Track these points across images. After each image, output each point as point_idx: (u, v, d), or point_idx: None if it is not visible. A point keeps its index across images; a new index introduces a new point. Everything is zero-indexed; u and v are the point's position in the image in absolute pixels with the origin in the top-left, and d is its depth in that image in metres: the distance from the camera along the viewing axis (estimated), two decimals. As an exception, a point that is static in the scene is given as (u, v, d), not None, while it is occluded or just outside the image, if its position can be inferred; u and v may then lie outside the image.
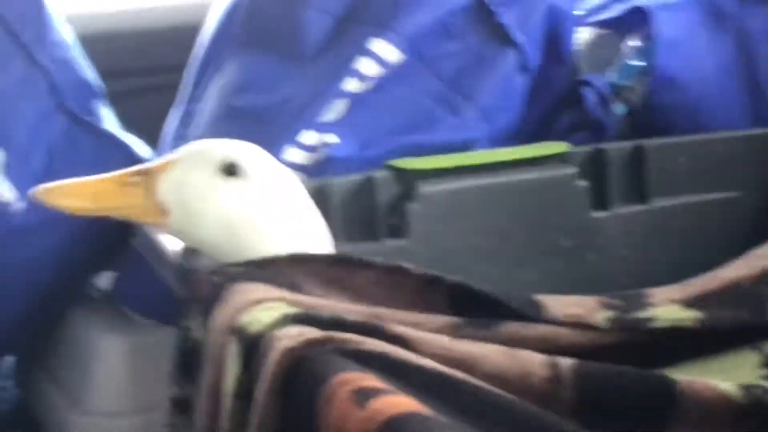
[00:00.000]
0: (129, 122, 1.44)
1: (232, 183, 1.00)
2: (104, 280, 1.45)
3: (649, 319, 0.99)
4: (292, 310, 0.86)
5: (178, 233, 1.02)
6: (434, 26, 1.37)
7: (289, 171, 1.05)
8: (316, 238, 1.03)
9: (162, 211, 1.00)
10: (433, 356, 0.84)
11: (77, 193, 1.02)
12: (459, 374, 0.82)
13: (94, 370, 1.32)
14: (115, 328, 1.35)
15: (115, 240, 1.32)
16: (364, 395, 0.73)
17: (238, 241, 0.99)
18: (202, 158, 1.01)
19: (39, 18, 1.40)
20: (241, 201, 1.00)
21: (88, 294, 1.44)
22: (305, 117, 1.35)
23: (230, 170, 1.01)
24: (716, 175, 1.30)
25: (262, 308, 0.87)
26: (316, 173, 1.27)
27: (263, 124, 1.34)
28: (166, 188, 1.00)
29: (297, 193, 1.04)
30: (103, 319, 1.38)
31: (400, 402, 0.72)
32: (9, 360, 1.51)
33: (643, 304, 1.01)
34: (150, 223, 1.02)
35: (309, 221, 1.03)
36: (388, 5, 1.38)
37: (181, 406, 0.94)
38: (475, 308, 0.96)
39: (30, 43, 1.38)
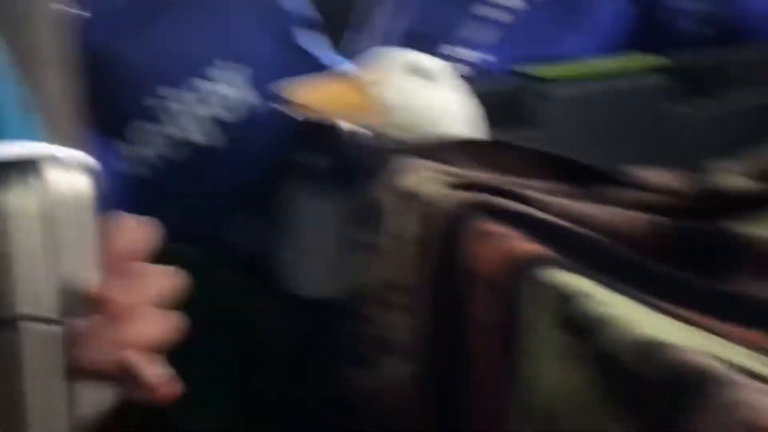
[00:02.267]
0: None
1: (433, 87, 1.02)
2: (310, 156, 1.44)
3: (722, 187, 0.96)
4: (452, 179, 0.87)
5: (393, 126, 1.02)
6: None
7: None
8: (480, 124, 1.04)
9: (383, 109, 1.01)
10: (561, 215, 0.84)
11: (311, 97, 1.04)
12: (574, 226, 0.82)
13: (309, 222, 1.32)
14: (323, 192, 1.34)
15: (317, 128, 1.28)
16: (501, 238, 0.74)
17: (439, 128, 1.00)
18: (398, 65, 1.02)
19: None
20: (441, 101, 1.01)
21: (299, 164, 1.41)
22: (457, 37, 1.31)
23: (430, 76, 1.02)
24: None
25: (431, 177, 0.88)
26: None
27: (426, 42, 1.28)
28: (386, 91, 1.01)
29: (467, 92, 1.05)
30: (310, 186, 1.36)
31: (530, 246, 0.74)
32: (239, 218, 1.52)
33: (715, 174, 0.98)
34: (374, 121, 1.02)
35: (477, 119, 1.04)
36: None
37: (367, 248, 0.95)
38: (586, 177, 0.95)
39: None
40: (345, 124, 1.11)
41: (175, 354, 0.62)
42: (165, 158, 1.36)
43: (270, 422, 1.47)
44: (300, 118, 1.29)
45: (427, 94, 1.02)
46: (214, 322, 1.28)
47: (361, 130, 1.08)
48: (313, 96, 1.04)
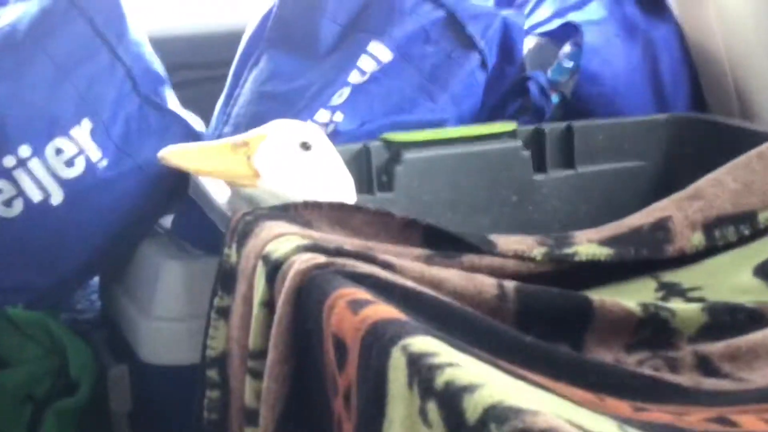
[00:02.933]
0: (186, 104, 1.43)
1: (307, 155, 1.02)
2: (166, 220, 1.45)
3: (573, 254, 0.99)
4: (304, 241, 0.86)
5: (264, 191, 1.01)
6: (417, 33, 1.36)
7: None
8: (349, 190, 1.05)
9: (255, 174, 1.00)
10: (410, 278, 0.84)
11: (191, 157, 1.03)
12: (429, 291, 0.82)
13: (159, 287, 1.32)
14: (174, 256, 1.35)
15: (174, 190, 1.32)
16: (357, 305, 0.73)
17: (309, 194, 1.00)
18: (284, 135, 1.02)
19: (120, 21, 1.38)
20: (314, 168, 1.02)
21: (155, 230, 1.44)
22: (319, 100, 1.34)
23: (306, 146, 1.02)
24: (626, 149, 1.30)
25: (282, 240, 0.87)
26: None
27: (288, 105, 1.34)
28: (258, 157, 1.00)
29: (340, 164, 1.06)
30: (166, 249, 1.38)
31: (384, 310, 0.72)
32: (95, 279, 1.52)
33: (568, 243, 1.01)
34: (245, 184, 1.01)
35: (345, 179, 1.06)
36: (382, 17, 1.37)
37: (221, 312, 0.93)
38: (442, 244, 0.96)
39: (112, 40, 1.36)
40: (209, 188, 1.11)
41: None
42: (4, 218, 1.32)
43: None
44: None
45: (302, 162, 1.02)
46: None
47: (221, 196, 1.08)
48: (190, 158, 1.03)
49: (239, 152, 1.01)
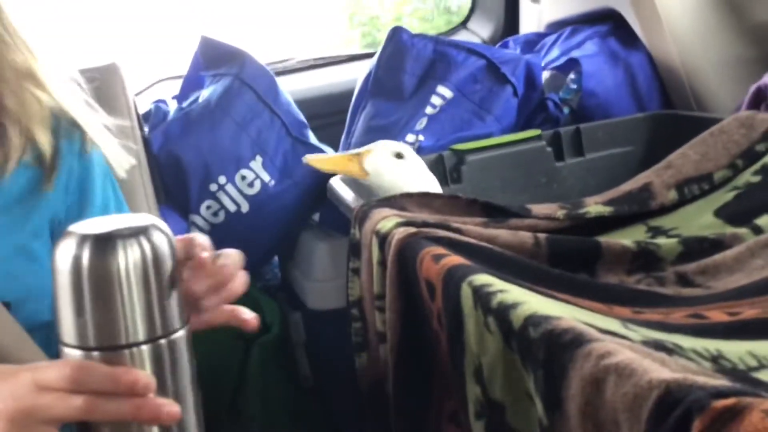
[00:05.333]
0: (321, 139, 1.43)
1: (400, 162, 1.03)
2: (315, 215, 1.45)
3: (585, 213, 0.97)
4: (401, 220, 0.86)
5: (370, 185, 1.04)
6: (468, 77, 1.34)
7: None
8: (434, 184, 1.05)
9: (366, 173, 1.03)
10: (473, 237, 0.84)
11: (326, 162, 1.08)
12: (486, 245, 0.82)
13: (315, 260, 1.34)
14: (322, 239, 1.35)
15: (319, 196, 1.31)
16: (438, 257, 0.73)
17: (403, 188, 1.01)
18: (384, 149, 1.04)
19: (274, 90, 1.38)
20: (404, 172, 1.03)
21: (309, 223, 1.44)
22: (407, 128, 1.33)
23: (399, 155, 1.04)
24: (618, 140, 1.26)
25: (387, 220, 0.87)
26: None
27: (387, 134, 1.32)
28: (367, 162, 1.03)
29: (424, 166, 1.06)
30: (317, 235, 1.38)
31: (455, 259, 0.72)
32: (275, 259, 1.54)
33: (581, 206, 0.99)
34: (359, 177, 1.04)
35: (429, 177, 1.05)
36: (444, 68, 1.35)
37: (355, 271, 0.94)
38: (494, 213, 0.95)
39: (271, 103, 1.37)
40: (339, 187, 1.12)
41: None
42: (214, 224, 1.34)
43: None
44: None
45: (397, 166, 1.03)
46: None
47: (348, 196, 1.08)
48: (325, 162, 1.08)
49: (354, 159, 1.03)
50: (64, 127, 0.78)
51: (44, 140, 0.75)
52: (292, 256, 1.44)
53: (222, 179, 1.33)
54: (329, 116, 1.55)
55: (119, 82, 1.16)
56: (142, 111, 1.35)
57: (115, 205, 0.83)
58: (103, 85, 1.10)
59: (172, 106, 1.42)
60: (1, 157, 0.73)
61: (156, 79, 1.70)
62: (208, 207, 1.34)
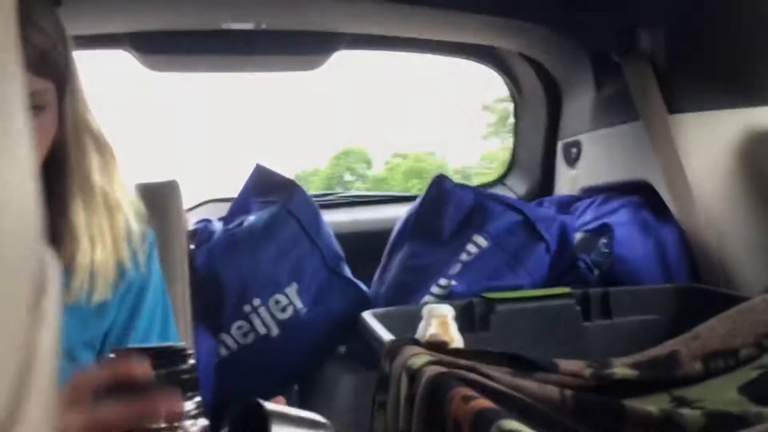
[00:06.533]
0: (355, 273, 1.45)
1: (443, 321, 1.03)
2: (342, 347, 1.45)
3: (612, 374, 0.98)
4: (433, 358, 0.88)
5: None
6: (505, 228, 1.37)
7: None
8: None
9: (453, 339, 1.01)
10: (502, 384, 0.85)
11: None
12: (514, 393, 0.83)
13: (338, 391, 1.33)
14: (348, 370, 1.35)
15: (349, 327, 1.32)
16: (468, 399, 0.74)
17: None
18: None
19: (317, 222, 1.43)
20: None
21: (336, 354, 1.44)
22: (442, 272, 1.35)
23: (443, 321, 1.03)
24: (645, 307, 1.28)
25: (418, 357, 0.88)
26: (445, 299, 1.28)
27: (422, 274, 1.35)
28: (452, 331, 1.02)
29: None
30: (343, 366, 1.38)
31: (485, 402, 0.73)
32: (295, 387, 1.52)
33: (608, 366, 1.00)
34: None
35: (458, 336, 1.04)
36: (482, 219, 1.38)
37: (381, 404, 0.94)
38: (523, 366, 0.96)
39: (313, 234, 1.40)
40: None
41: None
42: (242, 344, 1.35)
43: None
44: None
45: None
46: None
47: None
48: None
49: (442, 330, 1.02)
50: (134, 241, 0.83)
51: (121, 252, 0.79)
52: (314, 385, 1.43)
53: (256, 301, 1.35)
54: (365, 253, 1.58)
55: (176, 199, 1.22)
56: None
57: (160, 330, 0.85)
58: (162, 201, 1.17)
59: (218, 227, 1.47)
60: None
61: (204, 199, 1.78)
62: (239, 327, 1.35)
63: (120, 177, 0.81)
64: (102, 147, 0.79)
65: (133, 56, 1.56)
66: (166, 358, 0.55)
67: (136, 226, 0.82)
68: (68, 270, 0.75)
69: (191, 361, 0.57)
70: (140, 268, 0.82)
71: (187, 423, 0.56)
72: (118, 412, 0.52)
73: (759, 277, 1.29)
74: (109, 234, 0.78)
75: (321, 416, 0.64)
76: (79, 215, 0.76)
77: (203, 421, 0.57)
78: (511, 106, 2.03)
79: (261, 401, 0.58)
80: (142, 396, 0.52)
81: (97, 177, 0.78)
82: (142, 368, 0.54)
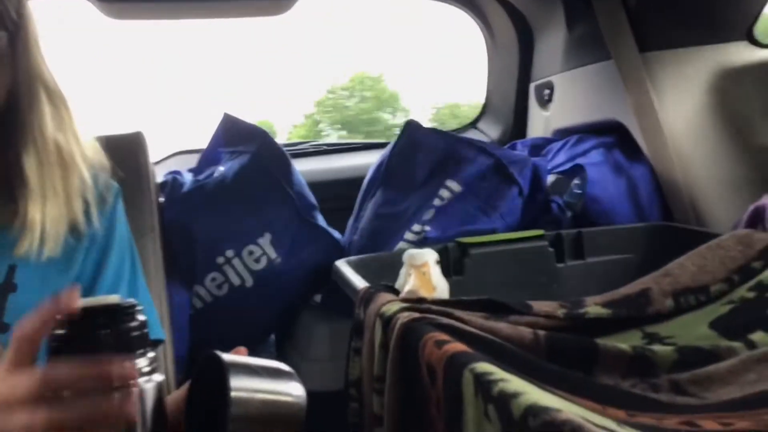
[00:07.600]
0: (329, 222, 1.45)
1: (424, 270, 0.97)
2: (318, 296, 1.45)
3: (585, 313, 0.98)
4: (405, 304, 0.88)
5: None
6: (477, 174, 1.37)
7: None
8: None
9: (434, 289, 0.96)
10: (475, 327, 0.85)
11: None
12: (488, 336, 0.83)
13: (313, 340, 1.33)
14: (323, 319, 1.35)
15: (323, 277, 1.32)
16: (440, 343, 0.74)
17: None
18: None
19: (288, 170, 1.41)
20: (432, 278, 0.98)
21: (310, 303, 1.44)
22: (415, 218, 1.34)
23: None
24: (618, 246, 1.28)
25: (392, 303, 0.88)
26: (419, 246, 1.28)
27: (394, 221, 1.35)
28: (433, 279, 0.97)
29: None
30: (318, 316, 1.38)
31: (458, 346, 0.73)
32: (272, 337, 1.53)
33: (581, 306, 1.00)
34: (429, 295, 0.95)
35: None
36: (454, 164, 1.38)
37: (356, 351, 0.94)
38: (497, 309, 0.97)
39: (284, 182, 1.39)
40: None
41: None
42: (216, 296, 1.34)
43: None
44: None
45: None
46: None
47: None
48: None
49: (423, 279, 0.96)
50: (97, 193, 0.81)
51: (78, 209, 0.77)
52: (290, 335, 1.43)
53: (230, 253, 1.34)
54: (338, 200, 1.57)
55: (143, 151, 1.20)
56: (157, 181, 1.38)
57: (128, 284, 0.84)
58: (127, 154, 1.14)
59: (188, 179, 1.45)
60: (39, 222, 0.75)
61: (173, 151, 1.75)
62: (213, 279, 1.35)
63: (75, 130, 0.78)
64: (56, 99, 0.76)
65: (92, 3, 1.50)
66: (113, 316, 0.53)
67: (90, 181, 0.80)
68: (19, 224, 0.73)
69: (140, 317, 0.55)
70: (100, 222, 0.80)
71: (142, 380, 0.54)
72: (68, 374, 0.50)
73: (728, 214, 1.30)
74: (62, 188, 0.76)
75: (287, 365, 0.63)
76: (31, 168, 0.73)
77: (158, 377, 0.56)
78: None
79: (218, 353, 0.57)
80: (92, 359, 0.51)
81: (50, 130, 0.75)
82: (72, 302, 0.51)
